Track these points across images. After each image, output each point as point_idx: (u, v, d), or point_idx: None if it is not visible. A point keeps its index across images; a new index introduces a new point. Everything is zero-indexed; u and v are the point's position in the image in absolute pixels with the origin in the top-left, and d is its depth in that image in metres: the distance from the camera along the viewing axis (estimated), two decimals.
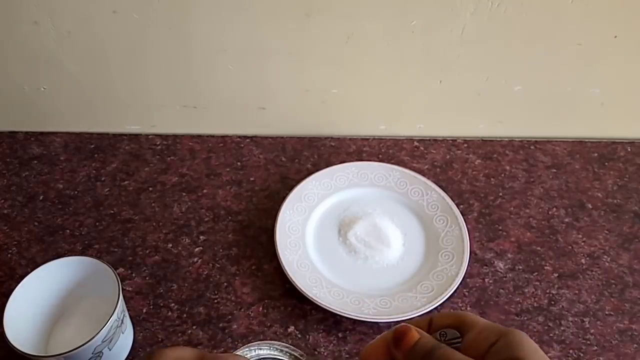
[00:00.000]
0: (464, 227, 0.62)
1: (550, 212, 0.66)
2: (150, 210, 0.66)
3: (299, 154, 0.73)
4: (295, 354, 0.36)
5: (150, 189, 0.68)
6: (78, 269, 0.51)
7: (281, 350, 0.37)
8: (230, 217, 0.65)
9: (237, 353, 0.35)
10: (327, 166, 0.68)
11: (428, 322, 0.30)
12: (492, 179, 0.70)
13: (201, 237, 0.63)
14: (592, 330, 0.55)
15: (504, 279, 0.59)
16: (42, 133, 0.75)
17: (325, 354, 0.53)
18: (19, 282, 0.48)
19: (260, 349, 0.37)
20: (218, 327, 0.55)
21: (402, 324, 0.28)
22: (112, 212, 0.66)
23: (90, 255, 0.54)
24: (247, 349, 0.36)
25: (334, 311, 0.54)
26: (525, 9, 0.61)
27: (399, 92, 0.71)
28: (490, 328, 0.27)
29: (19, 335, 0.45)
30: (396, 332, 0.27)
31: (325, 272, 0.59)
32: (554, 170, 0.71)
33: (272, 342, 0.38)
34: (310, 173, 0.68)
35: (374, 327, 0.55)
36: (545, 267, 0.61)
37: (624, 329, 0.55)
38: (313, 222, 0.64)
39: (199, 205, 0.66)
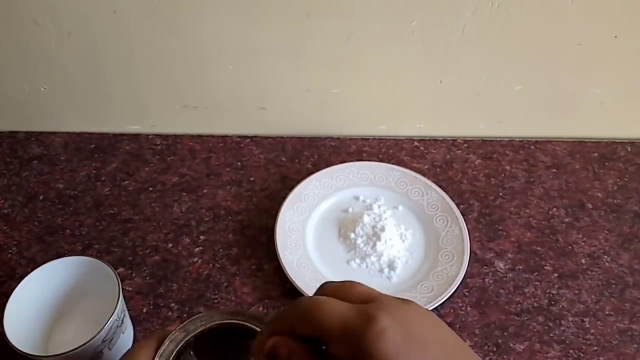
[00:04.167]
0: (464, 227, 0.62)
1: (550, 212, 0.66)
2: (151, 210, 0.66)
3: (299, 154, 0.73)
4: (248, 313, 0.34)
5: (150, 189, 0.68)
6: (78, 269, 0.50)
7: (234, 314, 0.35)
8: (230, 217, 0.65)
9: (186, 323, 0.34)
10: (327, 166, 0.68)
11: (289, 329, 0.26)
12: (492, 179, 0.70)
13: (201, 237, 0.63)
14: (592, 330, 0.55)
15: (504, 279, 0.59)
16: (42, 133, 0.75)
17: None
18: (19, 282, 0.48)
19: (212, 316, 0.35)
20: None
21: (271, 341, 0.26)
22: (112, 212, 0.66)
23: (90, 255, 0.54)
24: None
25: None
26: (525, 9, 0.61)
27: (399, 92, 0.71)
28: (343, 341, 0.24)
29: (19, 335, 0.45)
30: (267, 354, 0.26)
31: (325, 272, 0.59)
32: (554, 170, 0.71)
33: (219, 309, 0.35)
34: (310, 173, 0.68)
35: None
36: (546, 267, 0.61)
37: (624, 329, 0.55)
38: (313, 222, 0.64)
39: (199, 205, 0.66)
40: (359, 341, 0.23)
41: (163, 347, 0.32)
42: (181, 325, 0.33)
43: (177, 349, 0.32)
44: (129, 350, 0.32)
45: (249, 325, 0.33)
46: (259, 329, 0.33)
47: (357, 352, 0.23)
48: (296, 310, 0.26)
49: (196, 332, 0.33)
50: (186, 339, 0.32)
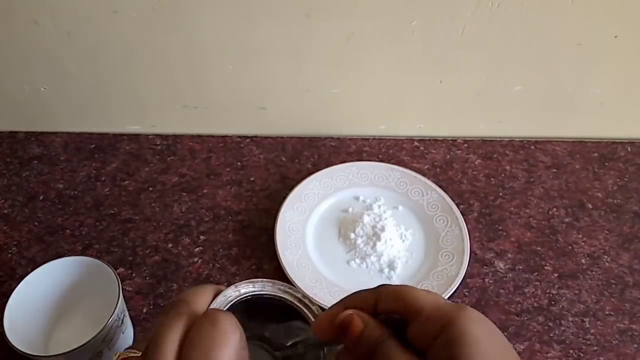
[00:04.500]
0: (464, 227, 0.62)
1: (550, 212, 0.66)
2: (151, 210, 0.66)
3: (299, 154, 0.73)
4: (298, 295, 0.35)
5: (150, 189, 0.68)
6: (78, 269, 0.51)
7: (285, 291, 0.36)
8: (230, 217, 0.65)
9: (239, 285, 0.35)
10: (327, 166, 0.68)
11: (374, 302, 0.27)
12: (492, 179, 0.70)
13: (201, 237, 0.63)
14: (592, 330, 0.55)
15: (504, 279, 0.59)
16: (42, 133, 0.75)
17: None
18: (19, 282, 0.48)
19: (264, 287, 0.36)
20: None
21: (348, 312, 0.27)
22: (112, 212, 0.66)
23: (90, 255, 0.54)
24: (250, 285, 0.36)
25: None
26: (525, 9, 0.61)
27: (399, 92, 0.71)
28: (433, 318, 0.24)
29: (19, 335, 0.45)
30: (341, 322, 0.27)
31: (325, 272, 0.59)
32: (554, 170, 0.71)
33: (275, 281, 0.37)
34: (310, 173, 0.68)
35: None
36: (546, 267, 0.61)
37: (624, 329, 0.55)
38: (313, 222, 0.64)
39: (199, 205, 0.66)
40: (451, 322, 0.24)
41: (218, 299, 0.32)
42: (235, 285, 0.34)
43: (227, 306, 0.32)
44: (194, 287, 0.32)
45: (298, 305, 0.34)
46: (307, 311, 0.34)
47: (443, 333, 0.24)
48: (384, 289, 0.27)
49: (247, 295, 0.34)
50: (237, 298, 0.33)
